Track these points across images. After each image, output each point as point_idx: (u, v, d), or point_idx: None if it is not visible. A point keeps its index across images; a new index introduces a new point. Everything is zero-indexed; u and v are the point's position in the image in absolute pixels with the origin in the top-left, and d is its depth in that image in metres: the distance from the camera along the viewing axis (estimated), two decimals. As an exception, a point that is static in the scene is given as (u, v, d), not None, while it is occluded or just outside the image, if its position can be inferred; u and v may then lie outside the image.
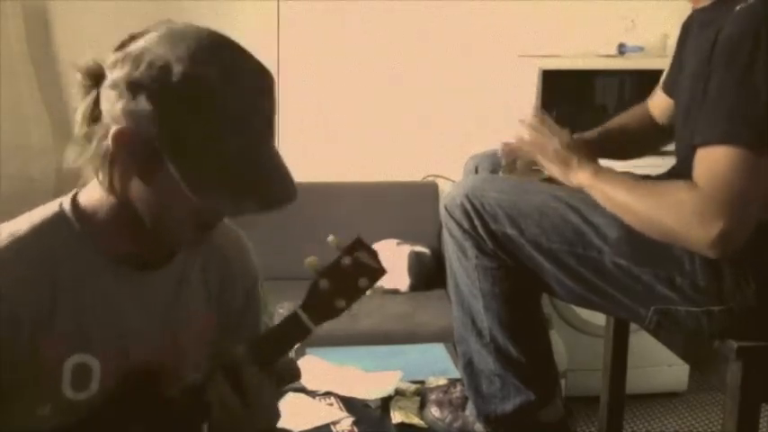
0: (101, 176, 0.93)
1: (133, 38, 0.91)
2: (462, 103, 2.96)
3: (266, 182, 0.92)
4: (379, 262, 1.03)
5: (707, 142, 1.20)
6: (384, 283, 2.66)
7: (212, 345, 1.09)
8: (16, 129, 2.52)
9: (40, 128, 2.59)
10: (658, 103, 1.70)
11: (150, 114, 0.86)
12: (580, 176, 1.37)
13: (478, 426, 1.57)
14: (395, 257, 2.66)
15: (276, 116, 0.94)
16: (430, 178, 3.01)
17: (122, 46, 0.90)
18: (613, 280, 1.36)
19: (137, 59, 0.87)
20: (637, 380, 2.15)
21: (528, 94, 2.64)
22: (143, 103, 0.86)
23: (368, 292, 1.06)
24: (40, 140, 2.58)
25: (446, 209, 1.48)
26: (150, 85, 0.86)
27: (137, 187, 0.92)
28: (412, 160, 2.99)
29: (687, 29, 1.50)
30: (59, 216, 0.96)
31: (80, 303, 0.94)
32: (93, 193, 0.97)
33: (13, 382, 0.90)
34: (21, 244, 0.92)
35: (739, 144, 1.17)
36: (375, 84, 2.96)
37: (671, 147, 1.65)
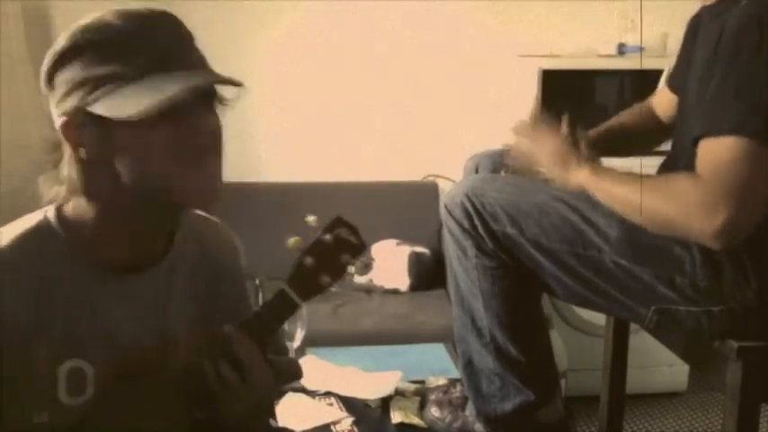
0: (78, 182, 0.95)
1: None
2: (462, 103, 2.96)
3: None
4: (359, 237, 1.08)
5: (710, 133, 1.18)
6: (384, 283, 2.67)
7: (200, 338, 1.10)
8: (16, 129, 2.52)
9: (40, 128, 2.59)
10: (662, 101, 1.70)
11: (72, 85, 0.90)
12: (580, 175, 1.36)
13: (478, 426, 1.57)
14: (395, 257, 2.66)
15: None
16: (430, 178, 3.01)
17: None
18: (613, 280, 1.36)
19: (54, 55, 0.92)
20: (637, 380, 2.15)
21: (528, 94, 2.64)
22: (62, 80, 0.91)
23: (351, 269, 1.08)
24: (40, 140, 2.58)
25: (446, 208, 1.48)
26: (64, 57, 0.91)
27: (110, 166, 0.92)
28: (412, 160, 2.99)
29: (696, 25, 1.50)
30: (44, 225, 0.96)
31: (69, 310, 0.94)
32: (78, 204, 0.97)
33: (8, 393, 0.90)
34: (6, 254, 0.93)
35: (744, 134, 1.15)
36: (375, 83, 2.97)
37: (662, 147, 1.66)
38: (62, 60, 0.92)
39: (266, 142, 2.93)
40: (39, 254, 0.94)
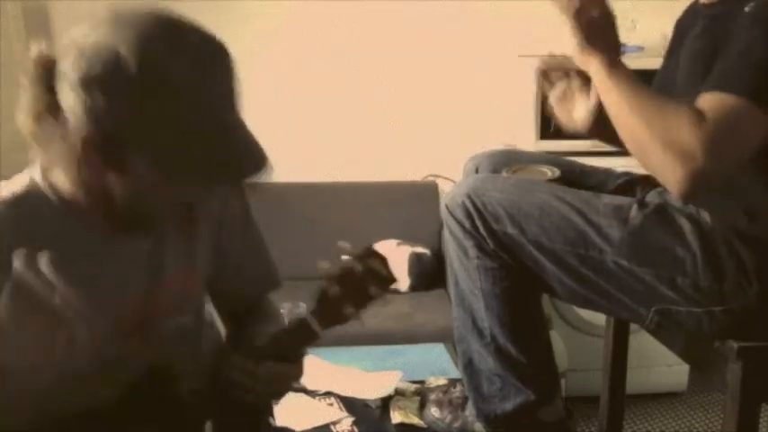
0: (70, 174, 0.93)
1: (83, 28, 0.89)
2: (462, 103, 2.96)
3: (234, 155, 0.92)
4: (389, 270, 1.03)
5: (722, 89, 1.16)
6: (384, 283, 2.67)
7: (200, 294, 1.12)
8: (16, 129, 2.52)
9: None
10: None
11: (108, 111, 0.86)
12: (594, 60, 1.29)
13: (478, 426, 1.57)
14: (395, 258, 2.64)
15: (237, 84, 0.94)
16: (430, 178, 3.01)
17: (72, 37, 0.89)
18: (614, 280, 1.36)
19: (87, 54, 0.86)
20: (637, 380, 2.15)
21: (528, 94, 2.64)
22: (100, 101, 0.85)
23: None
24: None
25: (447, 208, 1.48)
26: (104, 81, 0.85)
27: (109, 180, 0.92)
28: (412, 160, 2.99)
29: (684, 25, 1.50)
30: (33, 189, 0.96)
31: (63, 271, 0.94)
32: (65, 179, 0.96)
33: (5, 355, 0.90)
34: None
35: (752, 100, 1.13)
36: (375, 84, 2.97)
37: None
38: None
39: (266, 142, 2.91)
40: (29, 217, 0.94)
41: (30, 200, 0.95)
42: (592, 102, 1.56)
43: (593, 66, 1.29)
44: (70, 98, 0.87)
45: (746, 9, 1.22)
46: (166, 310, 1.05)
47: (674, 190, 1.18)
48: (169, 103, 0.86)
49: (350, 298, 1.02)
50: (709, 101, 1.17)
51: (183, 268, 1.07)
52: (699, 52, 1.33)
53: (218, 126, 0.90)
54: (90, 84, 0.85)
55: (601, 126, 1.58)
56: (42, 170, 0.98)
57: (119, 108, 0.85)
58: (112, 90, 0.85)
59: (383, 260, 1.03)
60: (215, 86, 0.91)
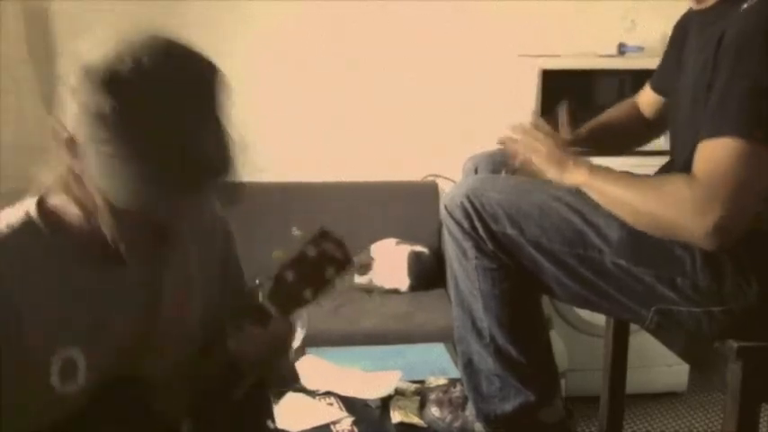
0: (73, 195, 0.95)
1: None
2: (462, 104, 2.96)
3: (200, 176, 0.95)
4: (345, 252, 1.05)
5: (710, 136, 1.19)
6: (384, 283, 2.67)
7: (196, 322, 1.11)
8: (16, 129, 2.52)
9: (40, 128, 2.59)
10: (647, 100, 1.72)
11: (107, 145, 0.87)
12: (576, 175, 1.36)
13: (478, 426, 1.57)
14: (395, 257, 2.66)
15: (225, 101, 0.97)
16: (430, 178, 3.01)
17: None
18: (614, 280, 1.36)
19: (93, 80, 0.88)
20: (637, 380, 2.15)
21: (528, 94, 2.64)
22: (104, 134, 0.87)
23: (338, 283, 1.06)
24: (40, 140, 2.58)
25: (446, 209, 1.48)
26: (110, 120, 0.87)
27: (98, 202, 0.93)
28: (412, 160, 2.99)
29: (684, 29, 1.50)
30: (26, 222, 0.97)
31: (58, 301, 0.95)
32: (64, 202, 0.97)
33: (2, 381, 0.91)
34: None
35: (742, 136, 1.15)
36: (375, 83, 2.97)
37: (661, 147, 1.66)
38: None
39: (266, 142, 2.92)
40: (24, 251, 0.95)
41: (26, 235, 0.96)
42: None
43: (576, 181, 1.36)
44: (82, 123, 0.89)
45: (744, 7, 1.22)
46: (164, 338, 1.06)
47: (704, 247, 1.23)
48: (154, 135, 0.88)
49: (307, 282, 1.03)
50: (700, 153, 1.20)
51: (179, 297, 1.08)
52: (698, 56, 1.34)
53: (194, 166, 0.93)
54: (99, 118, 0.88)
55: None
56: (39, 202, 0.99)
57: (113, 146, 0.87)
58: (112, 128, 0.87)
59: (338, 243, 1.04)
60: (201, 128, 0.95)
